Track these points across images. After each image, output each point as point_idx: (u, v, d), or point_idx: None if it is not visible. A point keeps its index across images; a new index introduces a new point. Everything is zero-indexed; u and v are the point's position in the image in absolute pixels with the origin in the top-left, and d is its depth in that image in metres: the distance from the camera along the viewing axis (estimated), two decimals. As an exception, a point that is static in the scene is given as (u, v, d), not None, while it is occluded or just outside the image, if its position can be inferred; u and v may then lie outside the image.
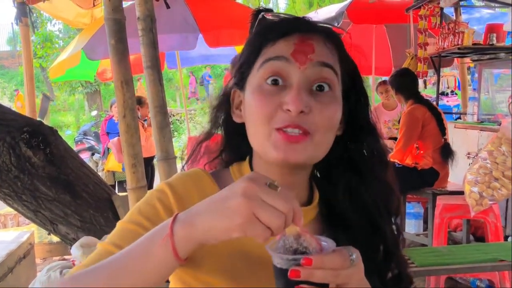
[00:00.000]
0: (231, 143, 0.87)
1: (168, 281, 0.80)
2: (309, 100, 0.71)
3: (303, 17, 0.80)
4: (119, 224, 0.77)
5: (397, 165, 3.73)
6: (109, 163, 5.75)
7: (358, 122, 0.82)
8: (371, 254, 0.70)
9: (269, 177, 0.58)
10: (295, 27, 0.76)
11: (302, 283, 0.58)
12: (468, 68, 6.87)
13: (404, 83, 3.92)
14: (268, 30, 0.77)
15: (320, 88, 0.73)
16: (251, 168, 0.82)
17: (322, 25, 0.79)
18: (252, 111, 0.75)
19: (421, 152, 3.82)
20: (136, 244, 0.63)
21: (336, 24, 0.83)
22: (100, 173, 5.67)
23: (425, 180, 3.77)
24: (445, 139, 3.75)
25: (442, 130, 3.75)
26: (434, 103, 4.51)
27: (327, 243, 0.62)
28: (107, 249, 0.72)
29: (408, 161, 3.84)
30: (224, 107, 0.85)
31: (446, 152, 3.72)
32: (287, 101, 0.71)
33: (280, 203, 0.56)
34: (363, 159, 0.83)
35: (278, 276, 0.61)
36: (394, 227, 0.84)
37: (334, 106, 0.74)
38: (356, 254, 0.62)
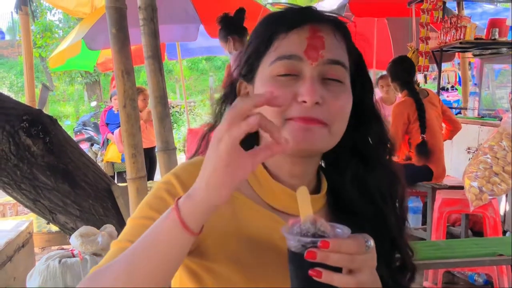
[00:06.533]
0: None
1: None
2: (322, 91, 0.72)
3: (310, 6, 0.80)
4: (129, 221, 0.76)
5: None
6: (108, 154, 5.74)
7: (364, 110, 0.83)
8: (378, 242, 0.70)
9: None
10: (306, 18, 0.76)
11: (316, 266, 0.59)
12: (469, 63, 6.85)
13: (398, 70, 3.85)
14: (279, 21, 0.77)
15: (331, 79, 0.75)
16: None
17: (330, 14, 0.79)
18: None
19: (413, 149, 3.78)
20: (147, 231, 0.63)
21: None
22: (99, 164, 5.67)
23: (419, 177, 3.76)
24: (423, 137, 3.67)
25: (422, 127, 3.67)
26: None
27: (342, 229, 0.63)
28: (122, 246, 0.71)
29: (401, 157, 3.82)
30: (230, 98, 0.85)
31: (419, 151, 3.65)
32: (302, 93, 0.71)
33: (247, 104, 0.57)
34: (369, 146, 0.84)
35: (292, 259, 0.62)
36: (398, 212, 0.85)
37: (346, 96, 0.76)
38: (371, 242, 0.63)
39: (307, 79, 0.72)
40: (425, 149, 3.66)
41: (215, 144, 0.56)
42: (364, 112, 0.83)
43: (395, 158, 0.88)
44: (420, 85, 4.70)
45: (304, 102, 0.71)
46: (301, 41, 0.74)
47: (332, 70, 0.74)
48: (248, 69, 0.80)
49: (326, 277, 0.59)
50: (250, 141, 0.76)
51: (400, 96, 3.94)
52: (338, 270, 0.60)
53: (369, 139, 0.84)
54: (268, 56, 0.76)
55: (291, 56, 0.74)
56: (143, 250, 0.62)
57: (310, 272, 0.59)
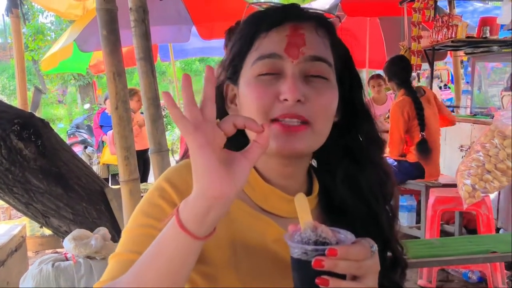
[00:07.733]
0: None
1: None
2: (305, 89, 0.72)
3: (293, 4, 0.80)
4: (125, 232, 0.74)
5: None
6: (105, 156, 5.72)
7: (353, 107, 0.82)
8: None
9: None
10: (286, 16, 0.75)
11: (323, 274, 0.58)
12: (461, 61, 6.88)
13: (395, 70, 3.88)
14: (259, 21, 0.77)
15: (315, 76, 0.74)
16: None
17: (312, 11, 0.78)
18: (248, 103, 0.74)
19: (409, 146, 3.81)
20: (153, 242, 0.62)
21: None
22: (95, 166, 5.65)
23: (412, 174, 3.78)
24: (423, 135, 3.69)
25: (421, 125, 3.70)
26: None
27: (345, 234, 0.62)
28: (123, 258, 0.70)
29: (397, 155, 3.84)
30: (218, 101, 0.84)
31: (420, 148, 3.67)
32: (284, 91, 0.71)
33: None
34: (359, 145, 0.83)
35: (296, 267, 0.61)
36: (388, 210, 0.84)
37: (330, 93, 0.75)
38: (375, 246, 0.62)
39: (288, 77, 0.71)
40: (426, 147, 3.69)
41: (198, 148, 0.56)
42: (354, 110, 0.82)
43: (388, 154, 0.87)
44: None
45: (286, 100, 0.70)
46: (281, 39, 0.73)
47: (315, 67, 0.73)
48: (232, 70, 0.79)
49: (333, 285, 0.58)
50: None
51: (392, 95, 3.96)
52: (342, 276, 0.59)
53: (360, 138, 0.83)
54: (250, 57, 0.76)
55: (272, 55, 0.73)
56: (150, 260, 0.61)
57: (317, 280, 0.58)
